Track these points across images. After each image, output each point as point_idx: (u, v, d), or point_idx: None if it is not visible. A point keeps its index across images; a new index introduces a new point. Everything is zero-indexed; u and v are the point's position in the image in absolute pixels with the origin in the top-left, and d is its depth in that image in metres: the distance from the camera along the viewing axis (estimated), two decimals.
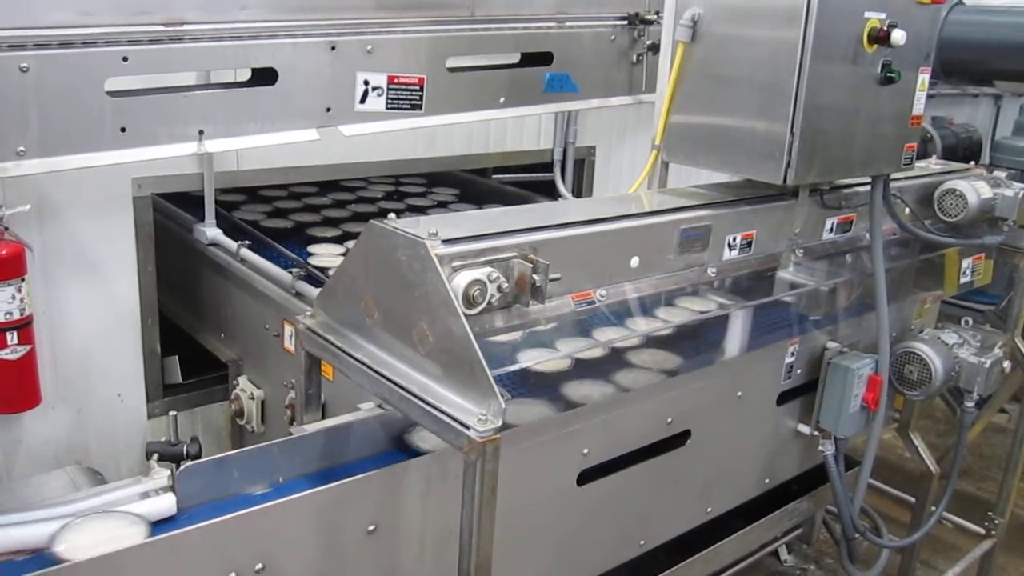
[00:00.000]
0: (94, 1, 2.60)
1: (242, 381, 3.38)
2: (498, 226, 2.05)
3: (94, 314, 3.27)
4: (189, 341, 3.74)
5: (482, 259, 1.93)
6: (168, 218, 3.69)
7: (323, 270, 3.24)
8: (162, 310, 3.51)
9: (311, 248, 3.62)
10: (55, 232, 3.09)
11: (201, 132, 2.82)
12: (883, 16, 2.55)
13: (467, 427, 1.73)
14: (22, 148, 2.52)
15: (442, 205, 4.52)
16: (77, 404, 3.32)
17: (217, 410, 3.67)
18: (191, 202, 3.58)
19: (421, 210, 4.40)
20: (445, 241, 1.89)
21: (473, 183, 4.77)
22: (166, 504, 1.84)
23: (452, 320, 1.82)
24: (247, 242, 3.34)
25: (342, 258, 3.45)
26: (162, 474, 1.91)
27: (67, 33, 2.54)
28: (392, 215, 2.03)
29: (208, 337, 3.67)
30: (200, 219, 3.53)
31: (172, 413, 2.11)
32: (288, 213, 4.15)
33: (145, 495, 1.87)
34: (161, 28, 2.69)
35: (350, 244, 3.69)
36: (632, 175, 4.66)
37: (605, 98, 3.89)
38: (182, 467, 1.89)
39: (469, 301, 1.87)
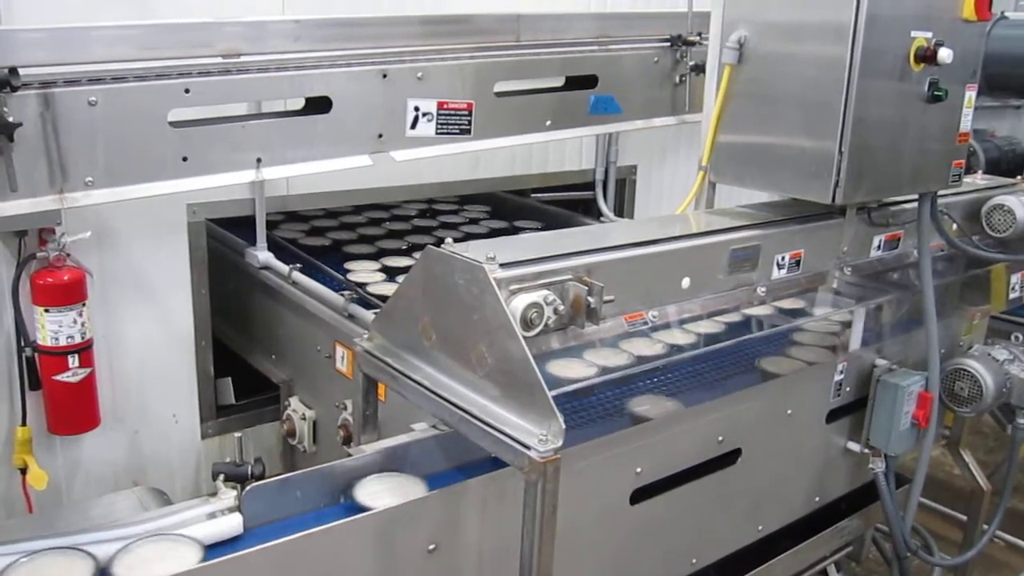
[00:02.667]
0: (157, 36, 2.70)
1: (294, 402, 3.44)
2: (553, 249, 2.09)
3: (150, 337, 3.35)
4: (241, 363, 3.82)
5: (539, 282, 1.97)
6: (220, 242, 3.77)
7: (362, 285, 3.36)
8: (215, 332, 3.59)
9: (348, 265, 3.72)
10: (113, 257, 3.18)
11: (259, 160, 2.90)
12: (929, 35, 2.55)
13: (528, 447, 1.76)
14: (90, 179, 2.61)
15: (474, 222, 4.62)
16: (134, 425, 3.40)
17: (269, 430, 3.72)
18: (239, 224, 3.66)
19: (454, 227, 4.50)
20: (503, 265, 1.93)
21: (505, 200, 4.81)
22: (233, 524, 1.89)
23: (511, 342, 1.85)
24: (299, 265, 3.40)
25: (379, 274, 3.59)
26: (228, 494, 1.96)
27: (133, 67, 2.64)
28: (449, 240, 2.08)
29: (260, 359, 3.74)
30: (251, 242, 3.61)
31: (237, 434, 2.16)
32: (325, 231, 4.25)
33: (212, 515, 1.92)
34: (220, 60, 2.77)
35: (385, 260, 3.81)
36: (674, 194, 4.70)
37: (649, 119, 3.93)
38: (247, 488, 1.94)
39: (527, 323, 1.91)
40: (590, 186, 4.63)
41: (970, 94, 2.79)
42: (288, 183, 3.56)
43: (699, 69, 3.88)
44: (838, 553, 3.41)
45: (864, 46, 2.42)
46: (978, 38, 2.76)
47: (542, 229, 4.49)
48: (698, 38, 3.86)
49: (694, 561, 2.69)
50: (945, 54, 2.54)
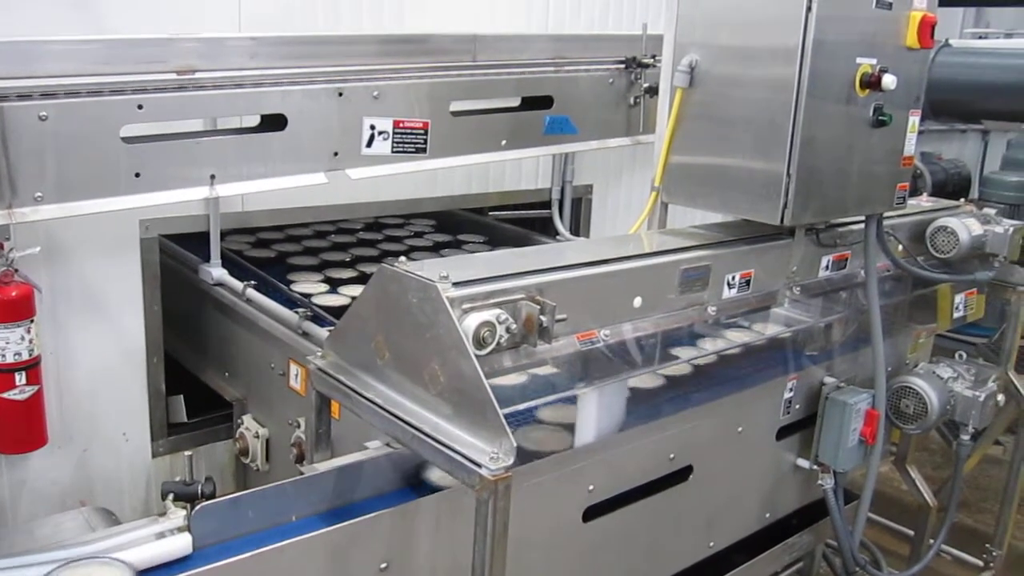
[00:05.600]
0: (111, 51, 2.68)
1: (247, 420, 3.41)
2: (506, 268, 2.11)
3: (100, 354, 3.31)
4: (194, 380, 3.77)
5: (491, 301, 1.99)
6: (173, 258, 3.74)
7: (307, 296, 3.42)
8: (167, 350, 3.55)
9: (291, 276, 3.76)
10: (63, 273, 3.14)
11: (212, 176, 2.89)
12: (874, 61, 2.63)
13: (479, 465, 1.77)
14: (40, 194, 2.58)
15: (419, 235, 4.68)
16: (83, 444, 3.35)
17: (221, 449, 3.69)
18: (192, 239, 3.64)
19: (399, 240, 4.56)
20: (456, 284, 1.94)
21: (450, 214, 4.83)
22: (182, 544, 1.87)
23: (463, 361, 1.86)
24: (253, 282, 3.38)
25: (323, 285, 3.64)
26: (178, 514, 1.94)
27: (85, 82, 2.62)
28: (402, 258, 2.09)
29: (213, 376, 3.70)
30: (204, 258, 3.58)
31: (187, 453, 2.13)
32: (271, 243, 4.27)
33: (161, 535, 1.90)
34: (174, 77, 2.76)
35: (329, 272, 3.86)
36: (629, 213, 4.76)
37: (603, 139, 3.98)
38: (197, 507, 1.92)
39: (479, 342, 1.92)
40: (546, 205, 4.67)
41: (914, 119, 2.88)
42: (243, 199, 3.54)
43: (653, 91, 3.94)
44: (789, 569, 3.45)
45: (811, 70, 2.48)
46: (921, 65, 2.85)
47: (487, 243, 4.56)
48: (652, 60, 3.92)
49: None
50: (889, 80, 2.62)
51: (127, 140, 2.73)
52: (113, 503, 3.34)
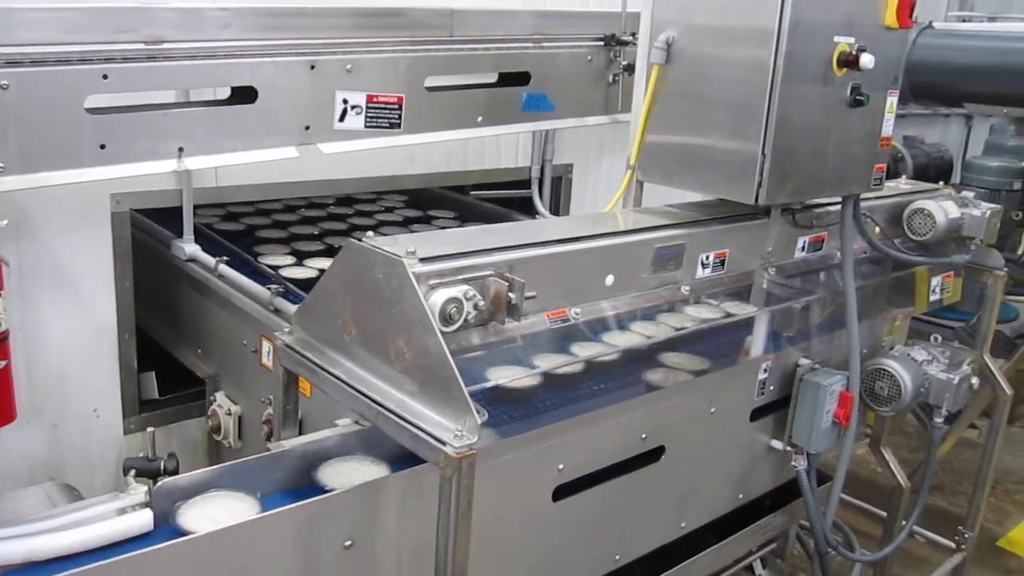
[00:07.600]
0: (76, 19, 2.62)
1: (219, 397, 3.38)
2: (474, 244, 2.09)
3: (71, 329, 3.28)
4: (166, 357, 3.74)
5: (459, 277, 1.97)
6: (146, 233, 3.69)
7: (275, 268, 3.45)
8: (139, 325, 3.51)
9: (258, 248, 3.77)
10: (32, 247, 3.10)
11: (181, 149, 2.84)
12: (852, 40, 2.60)
13: (443, 443, 1.76)
14: (2, 165, 2.53)
15: (389, 210, 4.68)
16: (53, 420, 3.32)
17: (194, 426, 3.67)
18: (163, 215, 3.60)
19: (369, 215, 4.57)
20: (422, 259, 1.92)
21: (426, 192, 4.80)
22: (143, 520, 1.85)
23: (429, 337, 1.84)
24: (225, 258, 3.35)
25: (289, 257, 3.66)
26: (139, 490, 1.92)
27: (49, 51, 2.56)
28: (370, 233, 2.06)
29: (185, 353, 3.67)
30: (177, 234, 3.54)
31: (150, 429, 2.12)
32: (240, 216, 4.26)
33: (122, 511, 1.88)
34: (142, 46, 2.71)
35: (296, 245, 3.88)
36: (609, 193, 4.70)
37: (581, 117, 3.95)
38: (159, 483, 1.90)
39: (446, 319, 1.90)
40: (526, 184, 4.64)
41: (892, 99, 2.86)
42: (217, 174, 3.50)
43: (632, 69, 3.89)
44: (763, 549, 3.47)
45: (787, 51, 2.46)
46: (900, 45, 2.83)
47: (458, 219, 4.57)
48: (631, 38, 3.88)
49: (617, 558, 2.70)
50: (867, 60, 2.60)
51: (92, 111, 2.68)
52: (83, 480, 3.32)
